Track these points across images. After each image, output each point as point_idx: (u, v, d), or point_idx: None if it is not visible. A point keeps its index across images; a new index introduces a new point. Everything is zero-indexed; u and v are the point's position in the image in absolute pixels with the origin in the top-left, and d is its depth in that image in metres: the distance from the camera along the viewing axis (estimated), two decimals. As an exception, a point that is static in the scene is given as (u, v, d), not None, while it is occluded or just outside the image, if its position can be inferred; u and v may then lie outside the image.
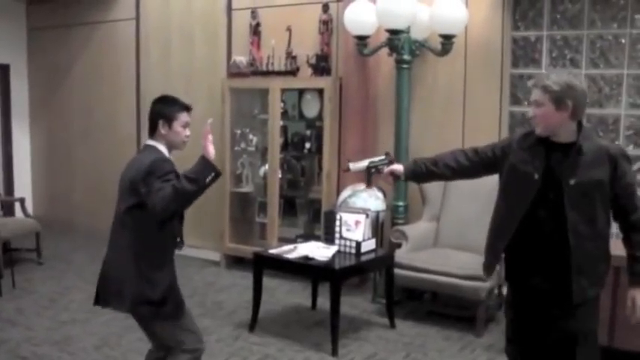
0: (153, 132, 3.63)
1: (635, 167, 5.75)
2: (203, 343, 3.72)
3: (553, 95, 3.06)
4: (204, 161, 3.47)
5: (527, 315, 3.34)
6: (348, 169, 4.18)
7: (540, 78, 3.16)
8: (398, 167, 3.63)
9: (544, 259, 3.21)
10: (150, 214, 3.38)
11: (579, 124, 3.17)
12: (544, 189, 3.16)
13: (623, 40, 5.87)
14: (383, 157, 3.82)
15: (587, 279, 3.15)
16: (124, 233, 3.52)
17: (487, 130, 6.19)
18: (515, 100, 6.32)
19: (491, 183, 5.77)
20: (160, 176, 3.42)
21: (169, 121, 3.59)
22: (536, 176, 3.16)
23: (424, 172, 3.59)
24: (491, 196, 5.74)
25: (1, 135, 9.44)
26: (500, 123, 6.24)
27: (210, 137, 3.53)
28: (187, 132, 3.64)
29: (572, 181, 3.10)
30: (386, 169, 3.66)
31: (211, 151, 3.48)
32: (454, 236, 6.06)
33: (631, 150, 5.88)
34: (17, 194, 8.98)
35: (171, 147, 3.65)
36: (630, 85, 5.87)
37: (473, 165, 3.53)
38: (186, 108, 3.67)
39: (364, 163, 3.87)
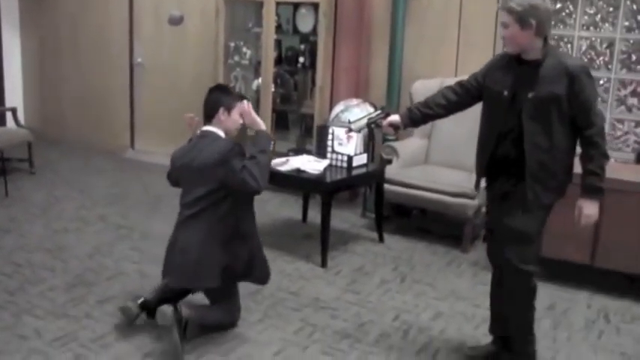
0: (211, 119, 3.92)
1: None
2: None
3: (517, 16, 3.19)
4: (263, 133, 3.88)
5: (492, 209, 3.66)
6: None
7: (505, 0, 3.25)
8: (395, 118, 3.79)
9: (508, 165, 3.42)
10: (231, 194, 3.72)
11: (545, 42, 3.28)
12: (513, 104, 3.34)
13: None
14: (379, 111, 3.99)
15: (541, 186, 3.32)
16: (203, 216, 3.75)
17: (482, 47, 6.16)
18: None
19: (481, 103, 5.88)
20: (239, 157, 3.71)
21: (229, 109, 3.89)
22: (506, 93, 3.35)
23: (419, 117, 3.75)
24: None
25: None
26: (495, 40, 6.16)
27: (252, 112, 3.92)
28: (241, 120, 3.94)
29: (530, 95, 3.27)
30: (384, 122, 3.83)
31: (261, 122, 3.91)
32: (445, 154, 6.10)
33: (624, 74, 5.89)
34: (8, 104, 8.89)
35: (226, 132, 3.90)
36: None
37: (461, 98, 3.69)
38: (242, 98, 4.03)
39: (363, 121, 4.03)
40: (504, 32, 3.29)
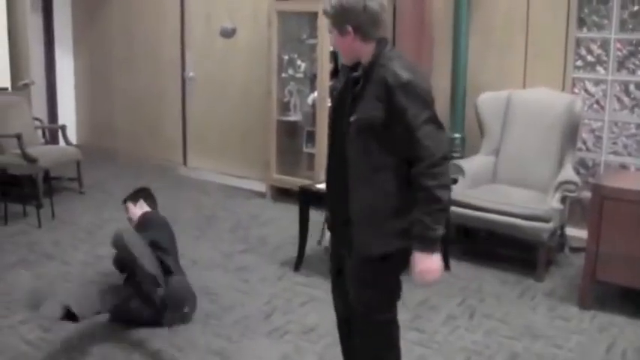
0: None
1: None
2: None
3: (332, 20, 2.73)
4: None
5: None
6: None
7: (325, 2, 2.75)
8: None
9: (338, 204, 2.87)
10: None
11: (381, 46, 2.72)
12: (342, 127, 2.79)
13: None
14: None
15: (370, 232, 2.78)
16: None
17: (551, 57, 5.77)
18: (582, 23, 5.77)
19: (554, 114, 5.40)
20: None
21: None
22: (335, 113, 2.88)
23: None
24: (554, 127, 5.40)
25: (45, 62, 9.12)
26: (565, 49, 5.73)
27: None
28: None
29: (352, 118, 2.70)
30: None
31: None
32: (514, 171, 5.62)
33: None
34: (61, 122, 8.73)
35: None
36: None
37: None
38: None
39: None
40: (332, 40, 2.83)
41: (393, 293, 2.95)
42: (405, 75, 2.63)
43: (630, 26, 5.59)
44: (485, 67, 5.99)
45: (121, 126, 8.91)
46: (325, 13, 2.76)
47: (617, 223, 4.30)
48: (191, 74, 8.09)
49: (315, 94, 6.78)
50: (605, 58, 5.69)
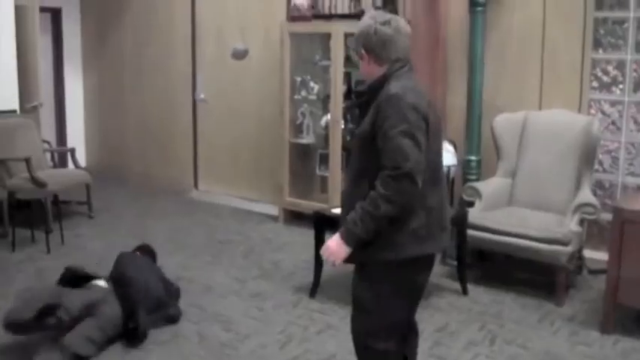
0: None
1: None
2: None
3: (353, 47, 3.06)
4: None
5: None
6: None
7: None
8: None
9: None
10: None
11: (393, 68, 2.89)
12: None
13: None
14: None
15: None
16: None
17: (567, 79, 5.84)
18: (598, 45, 5.84)
19: (572, 135, 5.48)
20: None
21: None
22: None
23: None
24: (571, 148, 5.47)
25: (54, 82, 9.29)
26: (582, 71, 5.80)
27: None
28: None
29: (355, 132, 2.99)
30: None
31: None
32: (531, 194, 5.68)
33: None
34: (70, 144, 8.84)
35: None
36: None
37: None
38: None
39: None
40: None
41: (389, 320, 2.98)
42: (393, 90, 2.79)
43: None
44: (501, 89, 6.06)
45: (131, 148, 9.01)
46: (352, 44, 2.94)
47: (638, 246, 4.36)
48: (202, 96, 8.18)
49: (329, 116, 6.84)
50: (621, 79, 5.78)
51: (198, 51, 8.20)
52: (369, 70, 2.93)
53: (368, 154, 2.81)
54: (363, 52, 2.91)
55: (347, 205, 2.92)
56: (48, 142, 7.87)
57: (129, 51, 8.90)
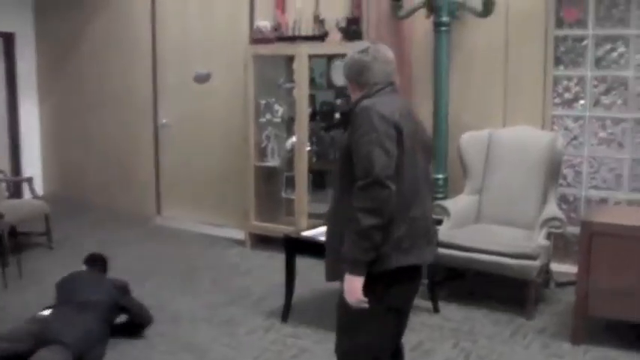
0: None
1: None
2: None
3: (348, 79, 3.15)
4: None
5: None
6: None
7: None
8: None
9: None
10: None
11: (368, 91, 3.04)
12: None
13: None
14: None
15: (329, 258, 3.08)
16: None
17: (530, 96, 6.08)
18: (559, 63, 6.09)
19: (536, 151, 5.68)
20: None
21: None
22: None
23: None
24: (536, 164, 5.67)
25: (7, 110, 9.17)
26: (544, 88, 6.04)
27: None
28: None
29: (338, 152, 3.14)
30: None
31: None
32: (498, 210, 5.86)
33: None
34: (26, 173, 8.78)
35: None
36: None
37: None
38: None
39: None
40: None
41: (376, 337, 3.01)
42: (363, 105, 2.94)
43: (604, 63, 5.93)
44: (467, 107, 6.25)
45: (91, 175, 8.99)
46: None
47: (606, 257, 4.55)
48: (164, 121, 8.24)
49: (294, 138, 6.94)
50: (582, 95, 6.02)
51: (159, 75, 8.25)
52: (355, 96, 3.10)
53: (348, 171, 2.90)
54: (346, 80, 3.14)
55: (331, 223, 3.05)
56: (2, 172, 7.80)
57: (88, 76, 8.90)
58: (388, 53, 3.11)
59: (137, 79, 8.42)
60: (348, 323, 3.03)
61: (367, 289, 2.87)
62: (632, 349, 4.64)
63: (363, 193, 2.77)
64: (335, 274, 3.03)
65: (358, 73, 3.06)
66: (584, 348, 4.68)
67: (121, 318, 4.95)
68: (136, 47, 8.40)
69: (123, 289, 5.05)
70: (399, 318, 3.13)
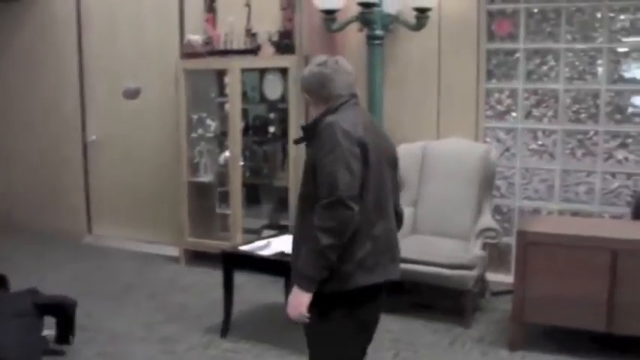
0: None
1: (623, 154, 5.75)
2: None
3: (307, 94, 3.11)
4: None
5: None
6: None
7: None
8: None
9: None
10: None
11: (330, 104, 3.02)
12: None
13: (598, 15, 5.89)
14: None
15: (294, 273, 2.97)
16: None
17: (463, 108, 6.23)
18: (492, 76, 6.28)
19: (470, 163, 5.83)
20: None
21: None
22: None
23: None
24: (470, 176, 5.82)
25: None
26: (477, 100, 6.21)
27: None
28: None
29: (302, 171, 3.02)
30: None
31: None
32: (433, 221, 5.98)
33: (612, 126, 5.90)
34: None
35: None
36: (611, 60, 5.87)
37: None
38: None
39: None
40: None
41: (342, 356, 3.02)
42: (327, 121, 2.89)
43: (535, 76, 6.14)
44: (401, 120, 6.35)
45: (17, 194, 8.81)
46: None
47: (541, 266, 4.71)
48: (93, 137, 8.16)
49: (227, 153, 6.97)
50: (513, 107, 6.21)
51: (87, 91, 8.17)
52: (317, 110, 3.07)
53: (313, 190, 2.85)
54: (306, 95, 3.10)
55: (295, 241, 3.02)
56: None
57: (12, 91, 8.75)
58: (347, 64, 3.10)
59: (63, 94, 8.31)
60: (316, 341, 3.01)
61: (332, 307, 2.89)
62: (568, 354, 4.80)
63: (325, 213, 2.74)
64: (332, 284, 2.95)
65: (320, 86, 3.02)
66: (521, 354, 4.82)
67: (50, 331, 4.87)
68: (62, 61, 8.29)
69: (31, 291, 4.98)
70: (365, 334, 3.14)
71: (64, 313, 4.89)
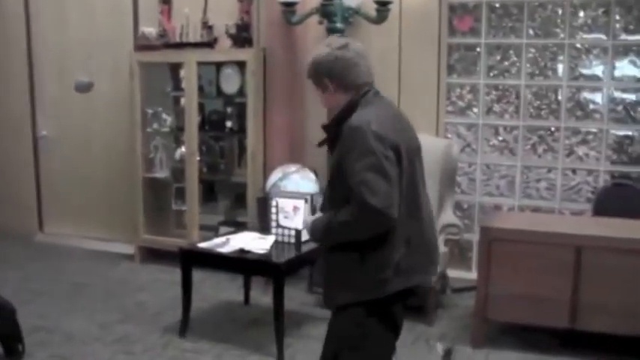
0: None
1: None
2: None
3: (312, 79, 2.94)
4: None
5: None
6: None
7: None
8: None
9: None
10: None
11: (358, 95, 2.89)
12: None
13: (560, 11, 5.92)
14: None
15: (334, 283, 2.92)
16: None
17: (424, 103, 6.19)
18: (453, 71, 6.27)
19: (432, 158, 5.79)
20: None
21: None
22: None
23: None
24: (432, 172, 5.78)
25: None
26: (438, 95, 6.19)
27: None
28: None
29: (328, 174, 2.93)
30: None
31: None
32: (394, 218, 5.94)
33: (573, 122, 5.93)
34: None
35: None
36: (572, 56, 5.90)
37: None
38: None
39: None
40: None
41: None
42: (355, 121, 2.73)
43: (496, 72, 6.14)
44: (360, 115, 6.31)
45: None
46: (307, 73, 2.93)
47: (505, 262, 4.70)
48: (44, 133, 7.96)
49: (183, 148, 6.87)
50: (474, 103, 6.21)
51: (37, 85, 7.96)
52: (334, 100, 2.90)
53: (340, 193, 2.74)
54: (326, 81, 2.87)
55: (328, 251, 2.92)
56: None
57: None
58: (364, 49, 2.95)
59: (11, 88, 8.08)
60: (353, 345, 2.92)
61: (368, 314, 2.84)
62: (530, 351, 4.82)
63: (359, 224, 2.67)
64: (332, 302, 2.96)
65: (345, 72, 2.83)
66: (485, 352, 4.82)
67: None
68: (9, 54, 8.04)
69: None
70: (397, 331, 3.08)
71: (3, 323, 4.68)
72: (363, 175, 2.62)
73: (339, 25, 5.87)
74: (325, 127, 2.95)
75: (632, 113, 5.85)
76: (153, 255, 7.12)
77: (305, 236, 5.21)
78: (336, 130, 2.83)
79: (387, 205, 2.61)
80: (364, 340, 2.89)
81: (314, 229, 2.89)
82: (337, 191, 2.80)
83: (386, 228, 2.69)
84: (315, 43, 6.20)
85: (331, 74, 2.85)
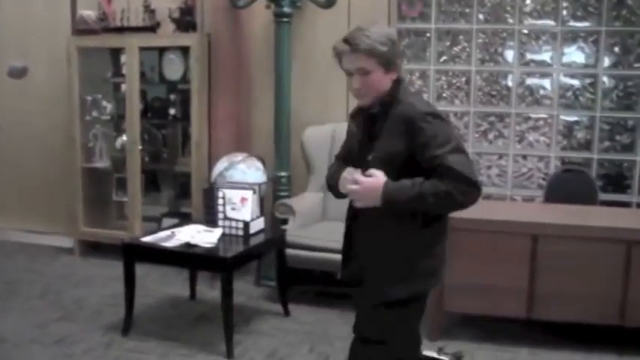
0: None
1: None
2: None
3: (383, 58, 2.75)
4: None
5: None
6: None
7: (357, 38, 2.74)
8: None
9: (349, 246, 3.10)
10: None
11: (398, 81, 2.85)
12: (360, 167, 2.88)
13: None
14: None
15: (385, 275, 2.85)
16: None
17: None
18: (402, 56, 6.11)
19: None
20: None
21: None
22: (355, 157, 2.94)
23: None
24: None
25: None
26: (384, 81, 6.04)
27: None
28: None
29: (370, 157, 2.79)
30: None
31: None
32: (344, 207, 5.78)
33: (523, 108, 5.88)
34: None
35: None
36: (522, 41, 5.85)
37: None
38: None
39: None
40: (362, 80, 2.76)
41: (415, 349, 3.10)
42: (425, 108, 2.75)
43: (446, 58, 6.04)
44: (308, 103, 6.17)
45: None
46: (372, 51, 2.71)
47: (461, 252, 4.58)
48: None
49: (124, 137, 6.65)
50: (425, 89, 6.09)
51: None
52: (379, 83, 2.78)
53: (404, 174, 2.70)
54: (398, 62, 2.83)
55: (381, 242, 2.87)
56: None
57: None
58: None
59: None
60: (393, 334, 2.94)
61: (411, 303, 2.89)
62: (487, 342, 4.78)
63: (466, 197, 2.67)
64: (380, 295, 2.86)
65: (397, 52, 2.81)
66: (441, 344, 4.71)
67: None
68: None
69: None
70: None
71: None
72: (454, 158, 2.65)
73: (286, 9, 5.73)
74: (370, 115, 2.84)
75: (580, 99, 5.82)
76: (93, 248, 6.90)
77: (255, 227, 5.08)
78: (382, 116, 2.80)
79: (477, 179, 2.72)
80: (406, 327, 3.00)
81: (396, 188, 2.68)
82: (397, 176, 2.71)
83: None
84: (262, 28, 6.14)
85: (385, 55, 2.75)
